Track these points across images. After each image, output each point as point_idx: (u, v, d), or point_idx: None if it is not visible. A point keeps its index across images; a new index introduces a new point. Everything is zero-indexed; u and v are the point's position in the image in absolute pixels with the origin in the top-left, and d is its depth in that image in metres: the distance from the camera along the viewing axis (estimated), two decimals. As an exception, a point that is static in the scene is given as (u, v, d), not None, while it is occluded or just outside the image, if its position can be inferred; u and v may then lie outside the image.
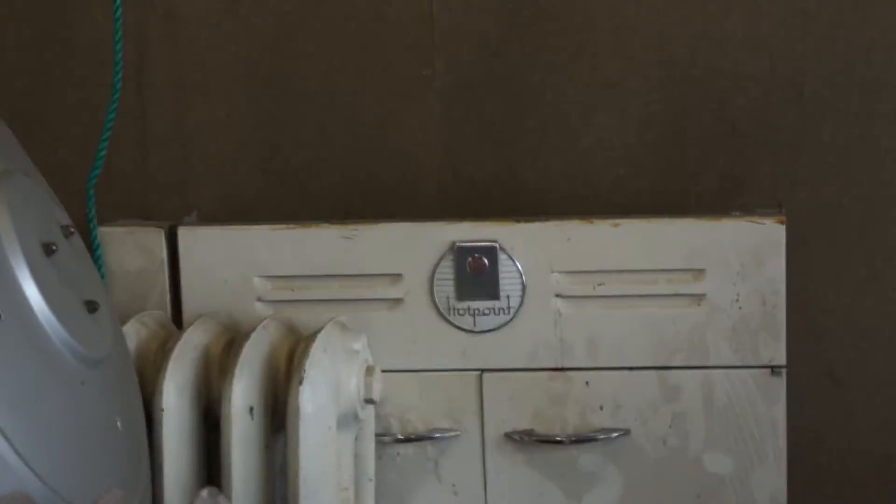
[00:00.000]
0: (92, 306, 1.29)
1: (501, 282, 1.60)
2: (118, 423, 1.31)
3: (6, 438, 1.09)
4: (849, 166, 1.72)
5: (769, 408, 1.59)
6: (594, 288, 1.60)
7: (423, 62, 1.75)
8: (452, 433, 1.63)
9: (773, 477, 1.61)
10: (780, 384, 1.59)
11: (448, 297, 1.61)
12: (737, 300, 1.58)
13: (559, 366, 1.62)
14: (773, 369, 1.59)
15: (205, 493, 1.20)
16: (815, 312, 1.72)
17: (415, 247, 1.61)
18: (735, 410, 1.60)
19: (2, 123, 1.35)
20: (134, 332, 1.56)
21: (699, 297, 1.58)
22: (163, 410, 1.47)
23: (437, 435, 1.63)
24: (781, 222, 1.56)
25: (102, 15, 1.72)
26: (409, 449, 1.65)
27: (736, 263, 1.57)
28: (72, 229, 1.34)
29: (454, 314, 1.61)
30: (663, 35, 1.72)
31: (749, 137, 1.72)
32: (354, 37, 1.76)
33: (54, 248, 1.24)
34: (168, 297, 1.67)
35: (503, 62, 1.75)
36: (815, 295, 1.72)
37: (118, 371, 1.36)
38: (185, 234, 1.65)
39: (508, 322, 1.61)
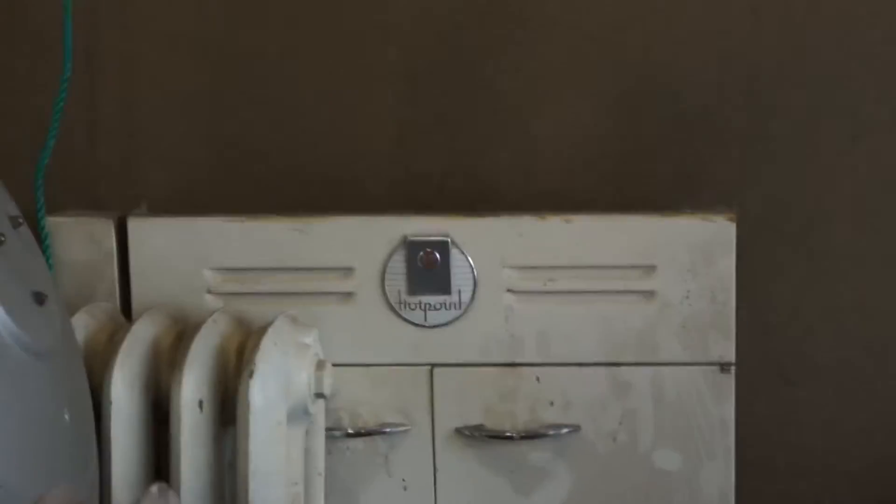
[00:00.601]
0: (40, 297, 1.26)
1: (453, 276, 1.60)
2: (66, 416, 1.29)
3: (-50, 430, 1.07)
4: (797, 164, 1.72)
5: (718, 405, 1.60)
6: (545, 283, 1.60)
7: (376, 54, 1.75)
8: (403, 428, 1.63)
9: (721, 473, 1.62)
10: (730, 381, 1.60)
11: (399, 292, 1.61)
12: (687, 297, 1.58)
13: (510, 361, 1.62)
14: (723, 366, 1.59)
15: (154, 489, 1.19)
16: (763, 310, 1.72)
17: (366, 240, 1.61)
18: (684, 407, 1.61)
19: None
20: (83, 324, 1.54)
21: (650, 294, 1.59)
22: (111, 403, 1.46)
23: (388, 430, 1.64)
24: (732, 220, 1.57)
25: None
26: (359, 443, 1.64)
27: (686, 261, 1.58)
28: (20, 220, 1.31)
29: (405, 308, 1.61)
30: (617, 30, 1.72)
31: (700, 134, 1.73)
32: (308, 25, 1.76)
33: (2, 238, 1.22)
34: (117, 288, 1.66)
35: (457, 54, 1.75)
36: (764, 292, 1.72)
37: (66, 363, 1.33)
38: (135, 225, 1.64)
39: (460, 317, 1.61)
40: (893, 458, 1.78)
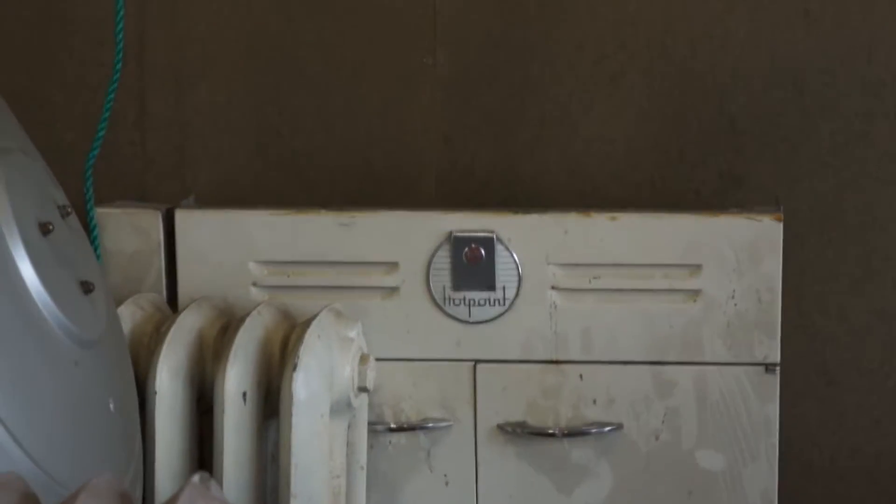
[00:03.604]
0: (87, 287, 1.29)
1: (497, 273, 1.60)
2: (111, 405, 1.32)
3: (-1, 418, 1.11)
4: (847, 165, 1.73)
5: (762, 405, 1.60)
6: (590, 281, 1.60)
7: (424, 51, 1.75)
8: (445, 423, 1.64)
9: (764, 474, 1.62)
10: (774, 382, 1.60)
11: (444, 287, 1.61)
12: (732, 297, 1.58)
13: (553, 358, 1.62)
14: (767, 367, 1.60)
15: (196, 478, 1.16)
16: (810, 311, 1.74)
17: (412, 236, 1.62)
18: (728, 407, 1.61)
19: (1, 102, 1.36)
20: (129, 314, 1.56)
21: (695, 293, 1.59)
22: (156, 393, 1.47)
23: (430, 425, 1.64)
24: (779, 220, 1.57)
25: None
26: (401, 438, 1.65)
27: (732, 260, 1.58)
28: (69, 209, 1.34)
29: (449, 304, 1.61)
30: (665, 30, 1.74)
31: (748, 134, 1.74)
32: (356, 24, 1.77)
33: (51, 227, 1.25)
34: (164, 279, 1.67)
35: (505, 53, 1.76)
36: (811, 293, 1.74)
37: (112, 352, 1.37)
38: (182, 217, 1.65)
39: (503, 313, 1.61)
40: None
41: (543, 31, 1.75)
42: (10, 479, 1.03)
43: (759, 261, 1.59)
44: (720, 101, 1.73)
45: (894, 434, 1.76)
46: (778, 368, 1.61)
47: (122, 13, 1.67)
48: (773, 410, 1.61)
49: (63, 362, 1.24)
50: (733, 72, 1.73)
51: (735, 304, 1.59)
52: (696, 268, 1.59)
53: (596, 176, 1.76)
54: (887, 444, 1.76)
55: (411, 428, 1.66)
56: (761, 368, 1.61)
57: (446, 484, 1.65)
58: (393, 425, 1.65)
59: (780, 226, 1.58)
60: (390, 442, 1.66)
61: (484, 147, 1.78)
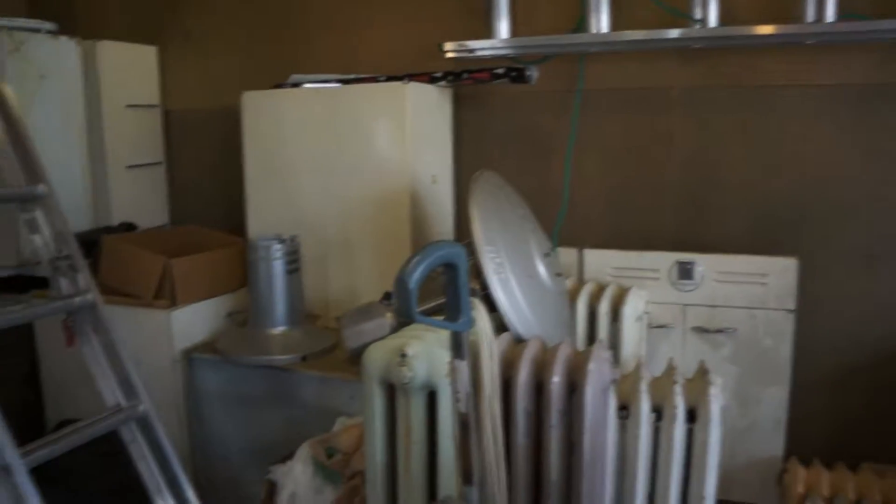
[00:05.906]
0: (559, 274, 2.52)
1: (695, 274, 3.00)
2: (566, 315, 2.53)
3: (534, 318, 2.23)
4: (834, 240, 2.89)
5: (787, 324, 2.98)
6: (728, 277, 2.98)
7: (668, 168, 3.03)
8: (672, 326, 3.05)
9: (788, 349, 2.99)
10: (792, 317, 2.96)
11: (674, 278, 3.01)
12: (777, 284, 2.94)
13: (712, 304, 3.02)
14: (789, 311, 2.97)
15: (599, 342, 2.21)
16: (811, 289, 3.01)
17: (663, 261, 3.03)
18: (776, 323, 2.97)
19: (525, 211, 2.50)
20: (570, 283, 2.90)
21: (764, 283, 2.96)
22: (575, 309, 2.84)
23: (667, 327, 3.03)
24: (795, 259, 2.92)
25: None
26: (658, 331, 3.07)
27: (779, 272, 2.95)
28: (550, 249, 2.50)
29: (677, 285, 3.03)
30: (761, 176, 2.98)
31: (793, 225, 2.98)
32: (640, 161, 3.04)
33: (547, 254, 2.47)
34: (579, 275, 2.99)
35: (690, 208, 3.06)
36: (812, 283, 3.03)
37: (565, 297, 2.64)
38: (586, 253, 3.07)
39: (696, 288, 3.01)
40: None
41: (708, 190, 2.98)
42: (537, 338, 2.08)
43: (787, 273, 2.95)
44: (776, 214, 2.96)
45: (866, 353, 2.94)
46: (794, 312, 2.91)
47: (568, 183, 2.91)
48: (790, 326, 2.97)
49: (552, 299, 2.41)
50: (787, 194, 2.89)
51: (779, 287, 2.93)
52: (765, 275, 2.97)
53: (728, 239, 3.07)
54: (854, 347, 2.95)
55: (660, 326, 3.05)
56: (787, 311, 2.96)
57: (671, 346, 3.05)
58: (653, 325, 3.03)
59: (796, 261, 2.90)
60: (652, 332, 3.03)
61: (688, 226, 3.09)
